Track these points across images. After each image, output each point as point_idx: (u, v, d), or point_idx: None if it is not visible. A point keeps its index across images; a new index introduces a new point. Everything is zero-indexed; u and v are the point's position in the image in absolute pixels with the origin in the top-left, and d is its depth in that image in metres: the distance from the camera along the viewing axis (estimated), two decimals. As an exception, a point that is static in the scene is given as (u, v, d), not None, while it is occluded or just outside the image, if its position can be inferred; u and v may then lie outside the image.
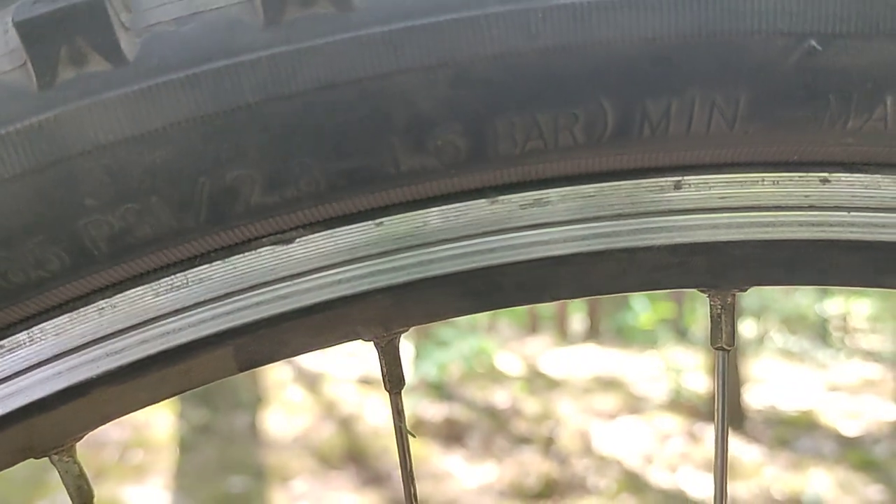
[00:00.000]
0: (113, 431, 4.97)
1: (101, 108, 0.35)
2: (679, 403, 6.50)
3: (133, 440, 4.85)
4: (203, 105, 0.35)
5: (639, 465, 4.97)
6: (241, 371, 0.41)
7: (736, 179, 0.39)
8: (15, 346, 0.39)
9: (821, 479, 4.74)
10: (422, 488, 4.47)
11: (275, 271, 0.39)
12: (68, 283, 0.38)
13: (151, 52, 0.35)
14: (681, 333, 9.73)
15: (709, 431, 5.67)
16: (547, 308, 14.30)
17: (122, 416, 0.41)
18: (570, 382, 7.55)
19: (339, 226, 0.39)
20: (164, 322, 0.39)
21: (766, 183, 0.40)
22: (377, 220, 0.39)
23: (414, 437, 0.44)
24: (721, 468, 0.45)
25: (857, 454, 5.16)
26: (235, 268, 0.39)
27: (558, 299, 0.41)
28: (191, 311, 0.39)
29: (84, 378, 0.40)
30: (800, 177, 0.40)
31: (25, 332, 0.39)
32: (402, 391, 0.44)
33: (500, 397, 6.54)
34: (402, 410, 0.44)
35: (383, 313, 0.41)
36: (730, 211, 0.40)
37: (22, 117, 0.35)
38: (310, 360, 7.61)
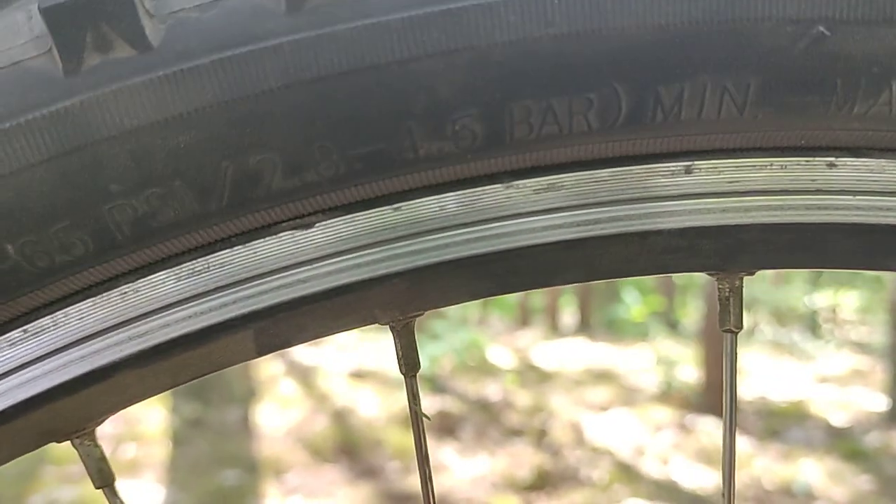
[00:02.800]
0: (105, 425, 4.95)
1: (126, 94, 0.36)
2: (670, 395, 6.53)
3: (126, 434, 4.85)
4: (226, 90, 0.36)
5: (630, 457, 4.99)
6: (261, 355, 0.42)
7: (745, 164, 0.40)
8: (39, 330, 0.39)
9: (810, 470, 4.78)
10: (415, 481, 4.48)
11: (295, 255, 0.40)
12: (92, 268, 0.38)
13: (176, 38, 0.36)
14: (671, 326, 9.79)
15: (700, 423, 5.70)
16: (538, 301, 14.33)
17: (145, 399, 0.42)
18: (561, 375, 7.58)
19: (357, 210, 0.40)
20: (186, 306, 0.40)
21: (774, 167, 0.41)
22: (395, 205, 0.40)
23: (429, 419, 0.45)
24: (729, 451, 0.46)
25: (846, 444, 5.20)
26: (256, 252, 0.40)
27: (571, 282, 0.42)
28: (212, 295, 0.40)
29: (107, 362, 0.40)
30: (807, 161, 0.40)
31: (49, 316, 0.39)
32: (416, 375, 0.45)
33: (492, 390, 6.56)
34: (418, 393, 0.44)
35: (401, 297, 0.41)
36: (738, 195, 0.41)
37: (48, 103, 0.35)
38: (302, 354, 7.61)
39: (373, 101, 0.37)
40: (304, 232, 0.40)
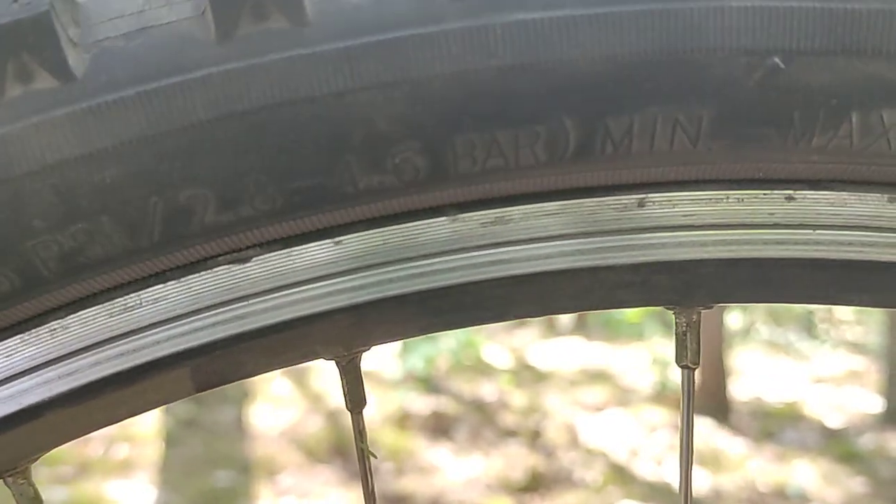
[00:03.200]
0: (98, 426, 4.94)
1: (49, 127, 0.34)
2: (665, 396, 6.52)
3: (118, 434, 4.83)
4: (153, 123, 0.35)
5: (625, 458, 4.99)
6: (199, 392, 0.40)
7: (700, 197, 0.39)
8: (-36, 368, 0.38)
9: (805, 471, 4.78)
10: (408, 482, 4.49)
11: (231, 291, 0.39)
12: (19, 305, 0.37)
13: (100, 68, 0.34)
14: (667, 326, 9.77)
15: (695, 423, 5.69)
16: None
17: (79, 437, 0.40)
18: (557, 375, 7.57)
19: (296, 244, 0.38)
20: (117, 343, 0.39)
21: (730, 200, 0.39)
22: (336, 239, 0.39)
23: (376, 457, 0.44)
24: (686, 480, 0.45)
25: (841, 446, 5.20)
26: (191, 288, 0.38)
27: (521, 317, 0.41)
28: (145, 331, 0.39)
29: (36, 401, 0.39)
30: (765, 194, 0.39)
31: (-25, 353, 0.38)
32: (364, 411, 0.43)
33: (488, 390, 6.55)
34: (364, 430, 0.43)
35: (344, 333, 0.40)
36: (694, 229, 0.39)
37: (-33, 136, 0.34)
38: (297, 354, 7.58)
39: (309, 134, 0.35)
40: (241, 266, 0.38)
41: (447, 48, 0.35)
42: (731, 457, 5.02)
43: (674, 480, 4.59)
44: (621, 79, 0.35)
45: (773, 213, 0.39)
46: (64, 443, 0.41)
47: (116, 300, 0.38)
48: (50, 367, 0.39)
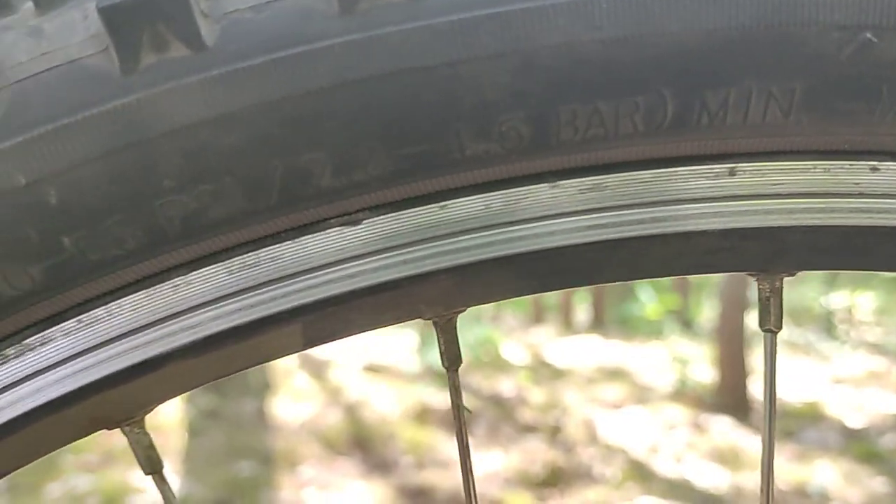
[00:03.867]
0: (122, 416, 4.99)
1: (181, 93, 0.37)
2: (684, 394, 6.51)
3: (142, 424, 4.88)
4: (278, 90, 0.37)
5: (644, 455, 4.99)
6: (308, 347, 0.43)
7: (789, 166, 0.41)
8: (93, 321, 0.40)
9: (826, 471, 4.76)
10: (429, 475, 4.49)
11: (343, 251, 0.41)
12: (144, 261, 0.39)
13: (230, 38, 0.37)
14: (686, 324, 9.75)
15: (714, 422, 5.69)
16: (552, 298, 14.30)
17: (194, 388, 0.43)
18: (575, 372, 7.57)
19: (404, 208, 0.41)
20: (236, 299, 0.41)
21: (817, 170, 0.41)
22: (441, 203, 0.41)
23: (471, 413, 0.46)
24: (769, 451, 0.46)
25: (861, 446, 5.17)
26: (305, 248, 0.41)
27: (613, 281, 0.43)
28: (262, 288, 0.41)
29: (159, 352, 0.41)
30: (850, 165, 0.41)
31: (103, 307, 0.40)
32: (458, 369, 0.45)
33: (506, 386, 6.57)
34: (459, 387, 0.45)
35: (446, 293, 0.42)
36: (782, 197, 0.41)
37: (105, 100, 0.36)
38: (316, 348, 7.63)
39: (421, 102, 0.37)
40: (352, 228, 0.41)
41: (555, 21, 0.37)
42: (751, 455, 5.00)
43: (693, 478, 4.59)
44: (720, 52, 0.37)
45: (857, 183, 0.41)
46: (182, 393, 0.43)
47: (235, 258, 0.40)
48: (172, 321, 0.41)
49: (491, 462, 4.77)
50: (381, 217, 0.41)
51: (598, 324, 11.92)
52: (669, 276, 0.43)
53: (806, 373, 7.77)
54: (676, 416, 5.88)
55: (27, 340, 0.40)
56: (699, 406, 6.14)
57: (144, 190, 0.37)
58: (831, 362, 8.44)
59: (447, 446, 5.00)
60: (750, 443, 5.29)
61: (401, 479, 4.38)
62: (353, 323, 0.42)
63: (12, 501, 3.76)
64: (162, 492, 0.46)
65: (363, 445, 4.90)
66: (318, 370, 6.67)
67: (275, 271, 0.41)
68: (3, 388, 0.41)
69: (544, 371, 7.59)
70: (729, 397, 6.00)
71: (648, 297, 9.14)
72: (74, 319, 0.40)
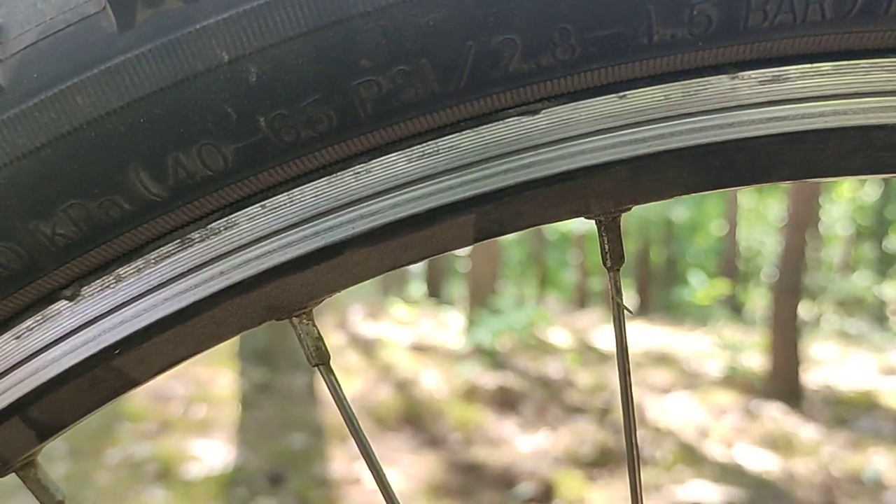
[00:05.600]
0: (177, 387, 5.10)
1: (381, -29, 0.37)
2: (734, 380, 6.45)
3: (197, 395, 4.98)
4: (475, -30, 0.37)
5: (694, 439, 4.95)
6: (476, 241, 0.43)
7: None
8: (276, 206, 0.41)
9: (880, 459, 4.68)
10: (478, 452, 4.49)
11: (520, 141, 0.41)
12: (331, 146, 0.40)
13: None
14: (735, 310, 9.63)
15: (765, 408, 5.62)
16: (595, 284, 14.21)
17: (365, 280, 0.43)
18: (621, 356, 7.51)
19: (583, 98, 0.41)
20: (415, 187, 0.41)
21: None
22: (620, 93, 0.41)
23: (631, 313, 0.46)
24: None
25: (918, 435, 5.07)
26: (483, 137, 0.41)
27: (785, 179, 0.43)
28: (440, 177, 0.41)
29: (338, 238, 0.42)
30: None
31: (286, 192, 0.41)
32: (620, 269, 0.45)
33: (553, 368, 6.56)
34: (620, 288, 0.45)
35: (618, 186, 0.42)
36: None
37: (306, -20, 0.37)
38: (364, 328, 7.70)
39: (614, -17, 0.37)
40: (531, 118, 0.41)
41: None
42: (804, 441, 4.94)
43: (745, 462, 4.54)
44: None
45: None
46: (353, 284, 0.44)
47: (416, 147, 0.41)
48: (353, 207, 0.42)
49: (540, 441, 4.77)
50: (560, 107, 0.41)
51: (643, 310, 11.83)
52: (841, 176, 0.42)
53: (857, 362, 7.63)
54: (726, 401, 5.82)
55: (212, 225, 0.41)
56: (750, 392, 6.07)
57: (343, 69, 0.38)
58: (883, 352, 8.28)
59: (496, 425, 5.01)
60: (803, 430, 5.21)
61: (451, 454, 4.41)
62: (523, 215, 0.42)
63: (74, 465, 3.87)
64: (329, 382, 0.46)
65: (413, 422, 4.94)
66: (366, 348, 6.72)
67: (453, 160, 0.41)
68: (187, 271, 0.42)
69: (590, 355, 7.56)
70: (781, 384, 5.92)
71: (699, 282, 9.03)
72: (258, 205, 0.41)
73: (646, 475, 4.31)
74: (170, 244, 0.42)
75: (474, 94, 0.39)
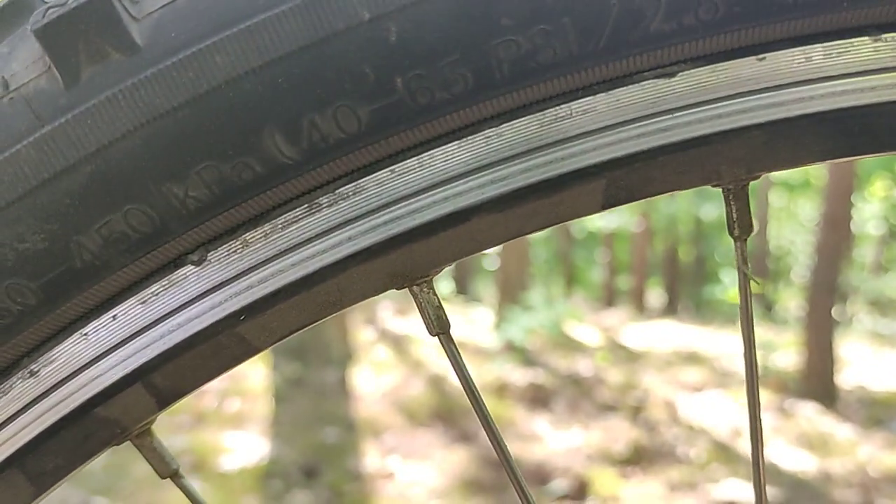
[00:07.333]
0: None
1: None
2: (767, 380, 6.38)
3: (230, 389, 5.02)
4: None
5: (728, 437, 4.91)
6: (603, 209, 0.42)
7: None
8: (405, 171, 0.41)
9: (919, 460, 4.62)
10: (511, 448, 4.49)
11: (656, 104, 0.40)
12: (464, 109, 0.39)
13: None
14: (767, 309, 9.54)
15: (800, 407, 5.56)
16: (623, 282, 14.13)
17: (488, 248, 0.43)
18: (651, 355, 7.48)
19: (720, 60, 0.40)
20: (546, 152, 0.41)
21: None
22: (760, 56, 0.40)
23: (759, 283, 0.45)
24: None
25: (955, 435, 5.00)
26: (618, 100, 0.40)
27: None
28: (572, 142, 0.41)
29: (467, 204, 0.41)
30: None
31: (415, 157, 0.41)
32: (747, 239, 0.44)
33: (583, 366, 6.53)
34: (747, 257, 0.44)
35: (753, 152, 0.41)
36: None
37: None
38: (393, 323, 7.71)
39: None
40: (667, 81, 0.40)
41: None
42: (840, 442, 4.88)
43: (780, 462, 4.49)
44: None
45: None
46: (475, 253, 0.43)
47: (548, 111, 0.40)
48: (483, 172, 0.41)
49: (572, 438, 4.75)
50: (697, 69, 0.40)
51: (671, 309, 11.74)
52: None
53: (893, 363, 7.52)
54: (760, 400, 5.76)
55: (340, 189, 0.41)
56: (784, 391, 6.01)
57: (483, 28, 0.37)
58: (919, 353, 8.16)
59: (527, 422, 5.00)
60: (838, 430, 5.15)
61: (482, 451, 4.40)
62: (654, 182, 0.42)
63: (111, 456, 3.90)
64: (449, 351, 0.46)
65: (444, 417, 4.93)
66: (397, 344, 6.73)
67: (586, 124, 0.40)
68: (315, 236, 0.42)
69: (620, 353, 7.52)
70: (816, 384, 5.85)
71: (731, 281, 8.95)
72: (387, 169, 0.41)
73: (679, 473, 4.28)
74: (298, 209, 0.41)
75: (612, 55, 0.39)
